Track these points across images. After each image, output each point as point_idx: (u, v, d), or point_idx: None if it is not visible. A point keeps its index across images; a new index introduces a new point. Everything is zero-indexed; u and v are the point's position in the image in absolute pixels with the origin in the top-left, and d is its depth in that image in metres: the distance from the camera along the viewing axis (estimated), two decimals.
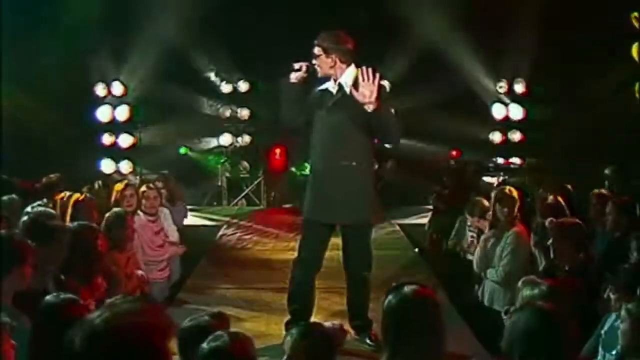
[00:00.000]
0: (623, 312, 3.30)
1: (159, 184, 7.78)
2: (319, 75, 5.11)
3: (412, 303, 2.69)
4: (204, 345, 2.72)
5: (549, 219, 5.17)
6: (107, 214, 5.58)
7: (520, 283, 3.83)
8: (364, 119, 4.90)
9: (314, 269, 5.28)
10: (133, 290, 5.41)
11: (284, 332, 4.76)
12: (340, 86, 5.06)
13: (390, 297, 2.75)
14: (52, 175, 7.05)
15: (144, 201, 6.58)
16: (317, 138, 5.15)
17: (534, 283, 3.76)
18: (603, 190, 6.24)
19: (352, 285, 5.36)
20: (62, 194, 5.99)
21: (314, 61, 5.12)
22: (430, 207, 9.18)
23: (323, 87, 5.16)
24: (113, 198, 6.47)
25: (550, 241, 4.82)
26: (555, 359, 2.62)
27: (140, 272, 5.72)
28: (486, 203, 6.26)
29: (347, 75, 5.06)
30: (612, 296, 3.82)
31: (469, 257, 6.83)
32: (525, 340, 2.61)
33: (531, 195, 7.25)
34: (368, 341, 5.19)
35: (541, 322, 2.63)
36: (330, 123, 5.07)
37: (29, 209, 5.25)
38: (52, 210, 5.16)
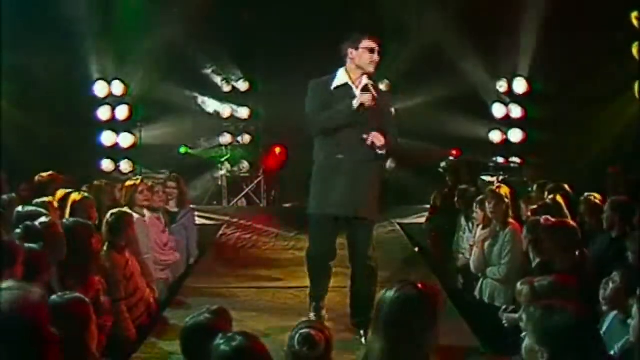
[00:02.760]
0: (635, 309, 3.31)
1: (173, 184, 7.73)
2: (370, 70, 5.30)
3: (413, 300, 2.70)
4: (223, 347, 2.69)
5: (543, 217, 5.17)
6: (107, 215, 5.57)
7: (519, 284, 3.84)
8: (386, 119, 5.38)
9: (331, 259, 5.52)
10: (134, 291, 5.41)
11: (284, 332, 4.78)
12: (366, 88, 5.25)
13: (391, 292, 2.75)
14: (45, 174, 7.03)
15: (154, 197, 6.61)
16: (340, 135, 5.23)
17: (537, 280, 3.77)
18: (592, 196, 6.20)
19: (358, 278, 5.39)
20: (62, 192, 5.98)
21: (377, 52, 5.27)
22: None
23: (336, 84, 5.30)
24: (125, 195, 6.45)
25: (544, 243, 4.83)
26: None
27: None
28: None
29: (365, 80, 5.32)
30: (610, 293, 3.81)
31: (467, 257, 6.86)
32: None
33: (531, 193, 7.26)
34: (364, 341, 4.96)
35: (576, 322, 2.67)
36: (354, 122, 5.20)
37: (19, 208, 5.23)
38: (41, 210, 5.16)
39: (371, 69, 5.28)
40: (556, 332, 2.66)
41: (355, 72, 5.31)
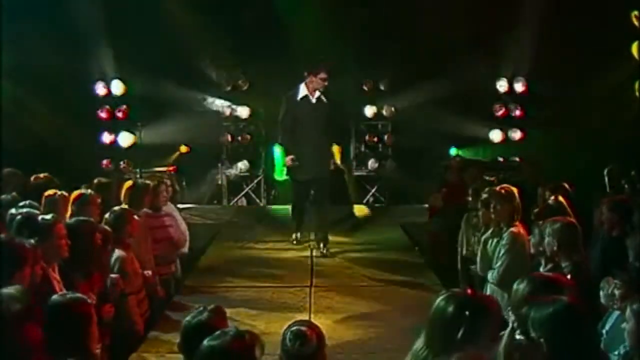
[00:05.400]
0: (628, 312, 3.30)
1: (168, 182, 7.76)
2: (320, 88, 8.19)
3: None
4: (205, 342, 2.70)
5: (549, 220, 5.11)
6: (108, 213, 5.57)
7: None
8: (329, 117, 8.27)
9: (305, 201, 8.71)
10: (139, 288, 5.42)
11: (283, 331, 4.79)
12: (319, 98, 8.20)
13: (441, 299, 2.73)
14: (41, 175, 7.01)
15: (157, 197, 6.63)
16: (302, 129, 8.22)
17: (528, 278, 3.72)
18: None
19: (318, 213, 8.52)
20: (53, 192, 5.96)
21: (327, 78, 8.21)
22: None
23: (300, 96, 8.23)
24: (126, 195, 6.42)
25: (545, 241, 4.80)
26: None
27: (147, 272, 5.73)
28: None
29: (318, 93, 8.23)
30: (617, 292, 3.80)
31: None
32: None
33: (530, 194, 7.23)
34: (324, 251, 8.17)
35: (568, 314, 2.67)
36: (314, 120, 8.20)
37: (13, 210, 5.20)
38: (35, 210, 5.14)
39: (321, 89, 8.17)
40: (548, 320, 2.66)
41: (311, 88, 8.17)
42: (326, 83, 8.18)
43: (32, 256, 3.77)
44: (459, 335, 2.56)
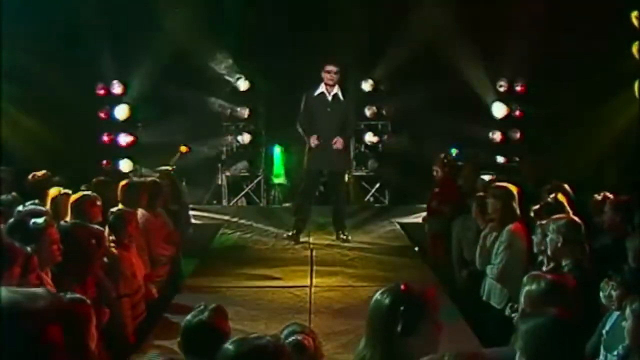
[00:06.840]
0: (628, 311, 3.30)
1: (166, 182, 7.75)
2: (333, 84, 8.57)
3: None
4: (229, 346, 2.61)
5: (553, 217, 5.10)
6: (108, 214, 5.56)
7: (525, 278, 3.80)
8: (345, 114, 8.77)
9: (311, 195, 9.00)
10: (135, 290, 5.41)
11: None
12: (335, 95, 8.64)
13: (378, 294, 2.73)
14: (39, 173, 6.98)
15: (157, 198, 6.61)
16: (319, 124, 8.62)
17: (537, 278, 3.72)
18: (606, 194, 6.18)
19: (337, 204, 8.97)
20: (57, 191, 5.94)
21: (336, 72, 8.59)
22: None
23: (318, 93, 8.66)
24: (122, 195, 6.40)
25: (548, 239, 4.79)
26: None
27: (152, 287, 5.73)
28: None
29: (337, 89, 8.66)
30: (613, 293, 3.80)
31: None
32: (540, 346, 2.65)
33: (530, 194, 7.23)
34: (343, 237, 8.73)
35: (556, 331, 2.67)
36: (329, 116, 8.63)
37: (20, 207, 5.17)
38: (42, 208, 5.10)
39: (330, 82, 8.58)
40: (528, 336, 2.67)
41: (326, 85, 8.60)
42: (335, 76, 8.52)
43: (22, 256, 3.74)
44: (399, 328, 2.59)
